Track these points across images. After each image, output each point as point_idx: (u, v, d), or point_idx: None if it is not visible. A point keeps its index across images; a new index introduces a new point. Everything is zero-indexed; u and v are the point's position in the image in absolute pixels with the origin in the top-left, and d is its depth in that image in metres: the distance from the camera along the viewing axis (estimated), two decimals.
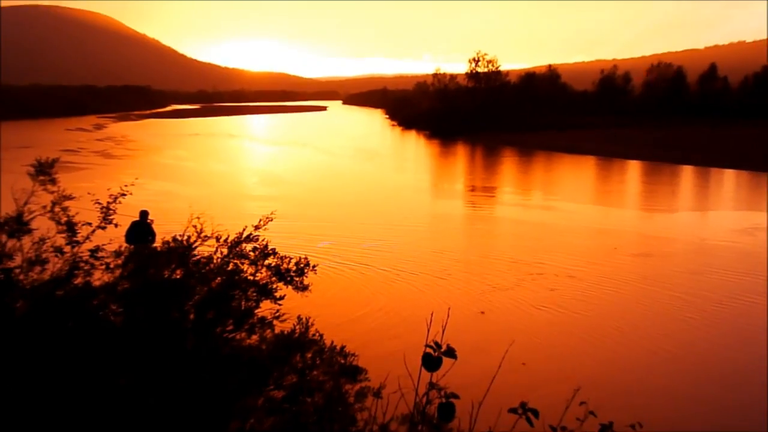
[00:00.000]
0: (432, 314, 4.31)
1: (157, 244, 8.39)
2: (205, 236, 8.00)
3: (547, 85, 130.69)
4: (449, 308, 17.71)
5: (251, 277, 7.82)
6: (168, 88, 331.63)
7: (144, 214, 15.57)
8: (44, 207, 7.21)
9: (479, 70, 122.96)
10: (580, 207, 38.82)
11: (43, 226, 7.11)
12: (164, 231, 10.28)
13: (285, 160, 66.76)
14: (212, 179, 48.96)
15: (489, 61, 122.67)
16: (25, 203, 7.06)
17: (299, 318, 7.45)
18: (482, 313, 19.36)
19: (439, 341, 3.78)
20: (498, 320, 18.75)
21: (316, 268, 8.24)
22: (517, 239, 29.23)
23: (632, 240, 30.00)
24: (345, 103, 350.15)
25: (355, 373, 7.13)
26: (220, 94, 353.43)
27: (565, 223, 33.45)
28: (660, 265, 24.93)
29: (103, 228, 7.73)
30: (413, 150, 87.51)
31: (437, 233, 31.06)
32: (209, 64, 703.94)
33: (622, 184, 52.80)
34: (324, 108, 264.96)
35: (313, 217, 33.32)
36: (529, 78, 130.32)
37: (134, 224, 15.33)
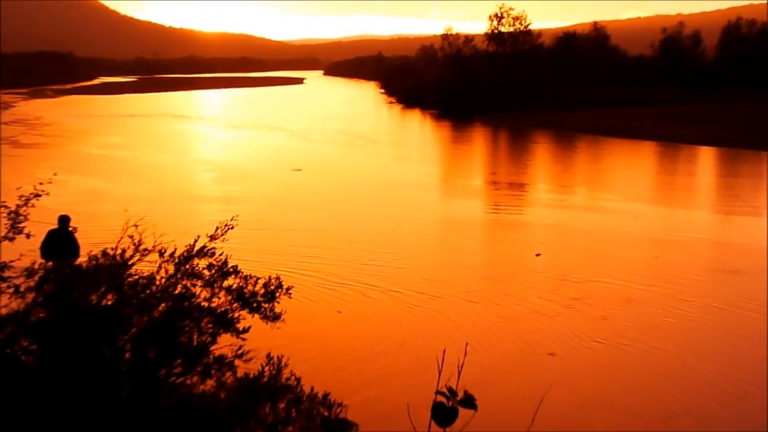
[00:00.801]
0: (444, 351, 4.30)
1: (83, 259, 8.37)
2: (145, 249, 7.99)
3: (592, 48, 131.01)
4: (467, 344, 17.69)
5: (206, 303, 7.81)
6: (96, 54, 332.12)
7: (64, 220, 15.52)
8: None
9: (503, 29, 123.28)
10: (638, 208, 38.90)
11: None
12: (91, 243, 10.23)
13: (250, 149, 66.75)
14: (154, 174, 48.93)
15: (515, 18, 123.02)
16: None
17: (269, 357, 7.43)
18: (506, 345, 19.37)
19: (454, 387, 3.77)
20: (532, 358, 18.74)
21: (291, 292, 8.23)
22: (559, 251, 29.28)
23: (711, 251, 30.05)
24: (327, 73, 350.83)
25: (342, 428, 7.11)
26: (163, 63, 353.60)
27: (619, 229, 33.52)
28: (754, 286, 24.87)
29: (11, 239, 7.69)
30: (418, 134, 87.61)
31: (454, 243, 31.10)
32: (149, 23, 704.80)
33: (693, 178, 52.93)
34: (300, 80, 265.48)
35: (290, 224, 33.33)
36: (569, 40, 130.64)
37: (51, 234, 15.29)
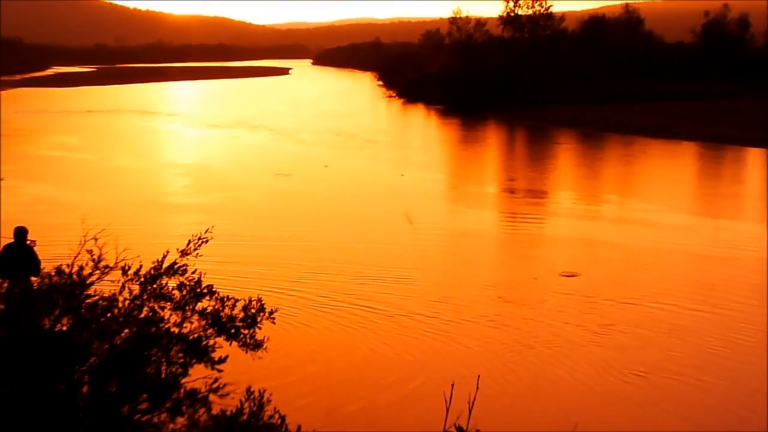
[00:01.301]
0: (453, 385, 4.31)
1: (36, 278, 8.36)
2: (106, 266, 7.99)
3: (624, 34, 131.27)
4: (479, 376, 17.70)
5: (176, 329, 7.81)
6: (49, 41, 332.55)
7: (21, 232, 15.59)
8: None
9: (520, 12, 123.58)
10: (678, 219, 38.84)
11: None
12: (44, 259, 10.25)
13: (228, 152, 66.83)
14: (117, 180, 48.94)
15: None
16: None
17: (249, 391, 7.42)
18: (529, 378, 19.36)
19: (464, 425, 3.79)
20: (556, 394, 18.73)
21: (274, 316, 8.22)
22: (589, 270, 29.26)
23: (765, 269, 29.97)
24: (316, 62, 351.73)
25: None
26: (127, 50, 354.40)
27: (658, 243, 33.45)
28: None
29: None
30: (422, 134, 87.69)
31: (468, 260, 31.13)
32: (110, 4, 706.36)
33: (741, 185, 52.93)
34: (286, 70, 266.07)
35: (275, 237, 33.35)
36: (596, 24, 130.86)
37: (7, 249, 15.39)
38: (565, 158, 65.63)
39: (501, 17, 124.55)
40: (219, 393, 7.58)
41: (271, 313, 8.16)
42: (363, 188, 47.80)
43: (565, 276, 28.00)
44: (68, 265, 7.97)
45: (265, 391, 7.51)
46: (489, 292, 26.35)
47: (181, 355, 7.74)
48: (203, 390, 7.57)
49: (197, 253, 8.21)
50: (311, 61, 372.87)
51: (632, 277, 28.44)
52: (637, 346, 21.42)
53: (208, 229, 8.31)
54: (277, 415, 7.47)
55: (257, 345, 8.01)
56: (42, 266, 8.18)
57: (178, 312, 7.95)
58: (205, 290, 8.04)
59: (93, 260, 8.00)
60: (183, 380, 7.63)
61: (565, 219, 39.26)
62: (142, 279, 7.98)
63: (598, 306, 24.70)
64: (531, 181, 51.94)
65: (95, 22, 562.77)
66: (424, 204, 42.35)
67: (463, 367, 19.51)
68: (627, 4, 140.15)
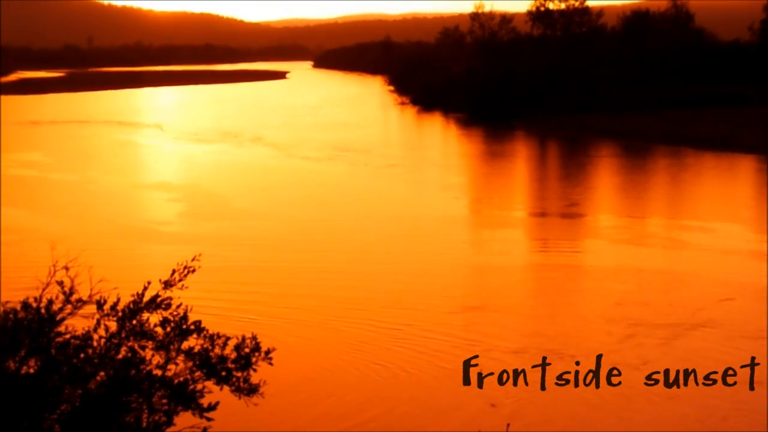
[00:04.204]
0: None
1: None
2: (79, 300, 8.02)
3: (671, 31, 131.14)
4: (508, 425, 17.67)
5: (159, 372, 7.81)
6: (11, 42, 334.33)
7: None
8: None
9: (551, 6, 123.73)
10: (742, 246, 38.41)
11: None
12: (8, 291, 10.27)
13: (221, 169, 66.78)
14: (91, 203, 49.03)
15: None
16: None
17: None
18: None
19: None
20: None
21: (271, 356, 8.21)
22: (654, 309, 29.01)
23: None
24: (318, 65, 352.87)
25: None
26: (101, 52, 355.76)
27: (723, 276, 33.14)
28: None
29: None
30: (440, 147, 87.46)
31: (508, 304, 30.98)
32: (83, 1, 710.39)
33: None
34: (282, 74, 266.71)
35: (276, 266, 33.41)
36: (639, 20, 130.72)
37: None
38: (606, 174, 65.08)
39: (530, 12, 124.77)
40: None
41: (267, 353, 8.15)
42: (376, 212, 47.50)
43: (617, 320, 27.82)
44: (35, 299, 7.98)
45: None
46: (539, 340, 26.16)
47: (165, 401, 7.75)
48: None
49: (183, 285, 8.23)
50: (311, 63, 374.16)
51: (705, 316, 28.11)
52: (716, 406, 21.16)
53: (194, 256, 8.32)
54: None
55: (252, 390, 8.02)
56: (6, 301, 8.19)
57: (161, 352, 7.97)
58: (192, 327, 8.05)
59: (64, 293, 8.03)
60: (167, 430, 7.65)
61: (611, 246, 38.86)
62: (120, 314, 8.01)
63: (668, 355, 24.47)
64: (567, 202, 51.43)
65: (64, 21, 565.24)
66: (450, 231, 42.19)
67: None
68: None
